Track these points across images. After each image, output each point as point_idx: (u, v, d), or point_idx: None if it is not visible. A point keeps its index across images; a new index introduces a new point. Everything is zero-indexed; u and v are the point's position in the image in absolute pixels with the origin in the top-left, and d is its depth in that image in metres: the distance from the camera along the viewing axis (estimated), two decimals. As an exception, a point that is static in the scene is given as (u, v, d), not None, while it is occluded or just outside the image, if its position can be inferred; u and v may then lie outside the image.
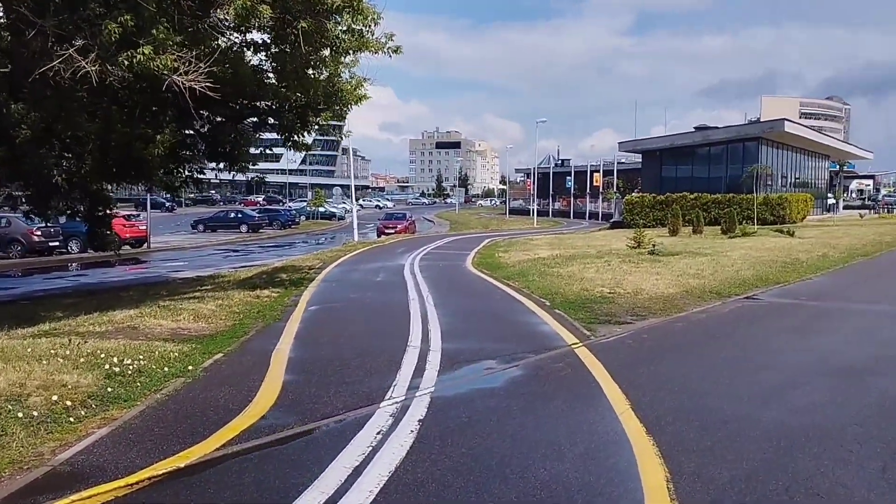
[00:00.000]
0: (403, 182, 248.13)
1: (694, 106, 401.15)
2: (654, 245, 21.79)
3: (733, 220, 32.37)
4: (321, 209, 72.60)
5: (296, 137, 16.14)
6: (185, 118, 14.43)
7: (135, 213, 39.50)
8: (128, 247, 36.48)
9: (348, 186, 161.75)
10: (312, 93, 15.47)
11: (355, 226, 37.95)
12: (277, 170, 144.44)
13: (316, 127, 17.01)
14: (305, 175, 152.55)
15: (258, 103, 15.67)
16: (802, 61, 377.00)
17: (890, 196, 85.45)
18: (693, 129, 56.18)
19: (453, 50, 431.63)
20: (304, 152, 18.97)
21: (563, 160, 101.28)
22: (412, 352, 8.65)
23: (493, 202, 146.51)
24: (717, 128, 53.97)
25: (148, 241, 36.99)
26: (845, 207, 72.30)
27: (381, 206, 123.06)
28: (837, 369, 7.93)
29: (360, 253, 27.11)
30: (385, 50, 14.17)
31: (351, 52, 13.83)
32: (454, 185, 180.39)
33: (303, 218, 72.80)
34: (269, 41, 14.14)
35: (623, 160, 78.17)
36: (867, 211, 61.77)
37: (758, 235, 29.42)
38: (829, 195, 68.11)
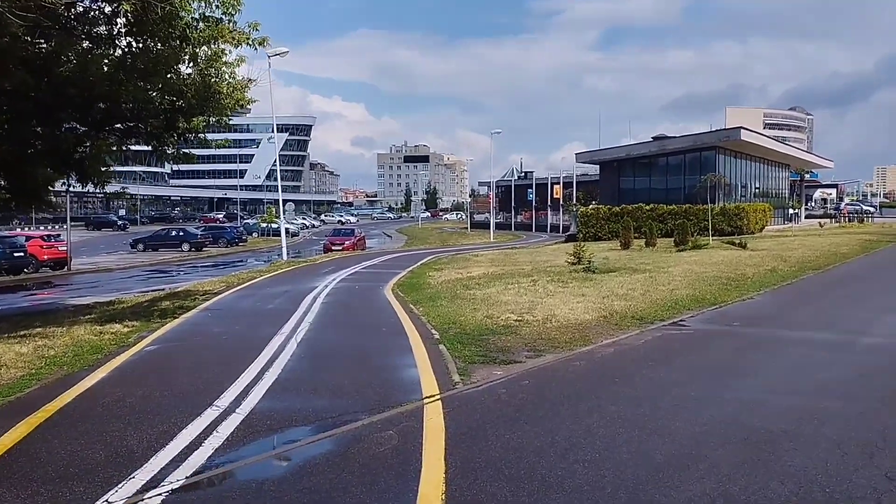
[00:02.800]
0: (372, 197, 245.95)
1: (661, 119, 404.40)
2: (590, 261, 19.99)
3: (686, 232, 30.68)
4: (274, 225, 70.24)
5: (166, 147, 14.15)
6: (22, 123, 12.39)
7: (54, 233, 36.95)
8: (47, 269, 34.14)
9: (318, 202, 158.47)
10: (185, 95, 13.56)
11: (284, 244, 35.80)
12: (242, 185, 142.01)
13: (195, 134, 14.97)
14: (269, 191, 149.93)
15: (121, 106, 13.64)
16: (767, 74, 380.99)
17: (852, 205, 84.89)
18: (651, 140, 54.73)
19: (426, 66, 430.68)
20: (175, 164, 16.80)
21: (526, 172, 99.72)
22: (209, 415, 6.67)
23: (460, 216, 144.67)
24: (673, 137, 52.57)
25: (68, 264, 34.53)
26: (807, 216, 71.44)
27: (344, 221, 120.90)
28: (749, 434, 6.06)
29: (278, 274, 25.01)
30: (249, 42, 12.28)
31: (205, 43, 11.84)
32: (422, 200, 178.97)
33: (254, 235, 70.51)
34: (114, 32, 12.17)
35: (588, 172, 76.63)
36: (828, 220, 60.76)
37: (709, 248, 27.79)
38: (791, 204, 67.24)
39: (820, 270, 19.89)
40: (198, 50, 13.13)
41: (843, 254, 24.98)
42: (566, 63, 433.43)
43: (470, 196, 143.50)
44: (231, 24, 12.11)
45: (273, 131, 40.62)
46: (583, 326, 11.34)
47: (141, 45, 11.95)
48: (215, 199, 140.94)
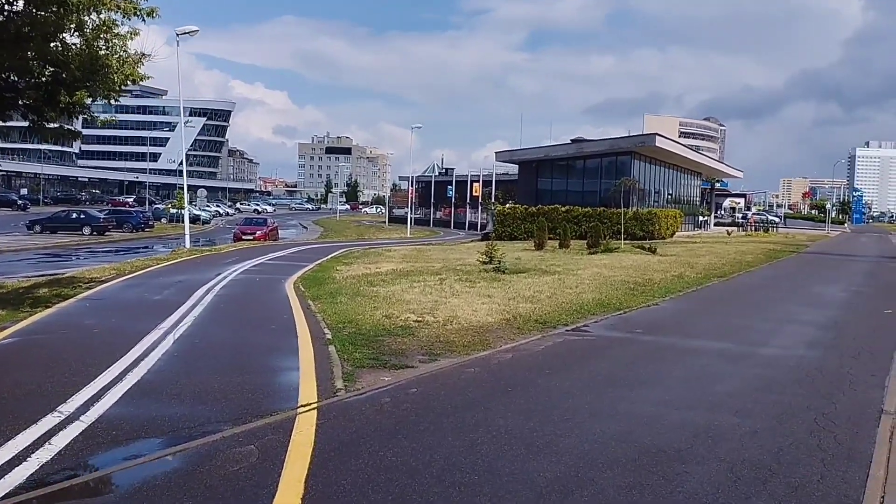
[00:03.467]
0: (292, 187, 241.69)
1: (582, 122, 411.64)
2: (499, 261, 19.66)
3: (598, 235, 30.82)
4: (184, 211, 67.81)
5: (45, 123, 13.03)
6: None
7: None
8: (-73, 249, 31.83)
9: (235, 190, 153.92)
10: (68, 66, 12.52)
11: (187, 231, 34.31)
12: (155, 169, 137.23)
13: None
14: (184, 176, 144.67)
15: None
16: (684, 84, 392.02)
17: (758, 214, 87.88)
18: (569, 142, 55.21)
19: (352, 57, 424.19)
20: (56, 142, 15.45)
21: (447, 169, 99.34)
22: (47, 423, 5.89)
23: (379, 210, 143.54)
24: (591, 140, 53.17)
25: (-49, 243, 32.21)
26: (716, 224, 73.48)
27: (260, 210, 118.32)
28: (641, 453, 5.68)
29: (177, 262, 23.82)
30: (137, 11, 11.37)
31: (86, 9, 10.86)
32: (342, 192, 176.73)
33: (163, 220, 67.99)
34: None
35: (510, 171, 76.76)
36: (735, 228, 62.59)
37: (620, 251, 27.95)
38: (701, 212, 69.04)
39: (725, 278, 20.10)
40: (84, 18, 12.15)
41: (748, 262, 25.46)
42: (492, 62, 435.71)
43: (391, 190, 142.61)
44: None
45: (181, 114, 38.88)
46: (484, 329, 10.91)
47: (16, 9, 10.87)
48: (126, 183, 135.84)
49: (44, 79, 12.49)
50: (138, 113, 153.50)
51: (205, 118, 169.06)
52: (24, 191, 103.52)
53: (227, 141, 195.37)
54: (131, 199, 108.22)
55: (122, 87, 13.62)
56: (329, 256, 27.67)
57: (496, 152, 59.20)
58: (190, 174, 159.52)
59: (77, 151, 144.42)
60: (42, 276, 21.26)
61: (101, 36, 12.97)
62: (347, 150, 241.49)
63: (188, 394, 7.07)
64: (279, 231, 51.98)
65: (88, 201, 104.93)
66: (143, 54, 13.88)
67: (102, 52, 12.94)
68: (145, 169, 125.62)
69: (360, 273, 19.75)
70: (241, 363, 8.58)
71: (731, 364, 9.31)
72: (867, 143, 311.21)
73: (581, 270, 19.97)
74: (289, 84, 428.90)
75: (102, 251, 36.41)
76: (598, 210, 41.96)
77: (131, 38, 13.45)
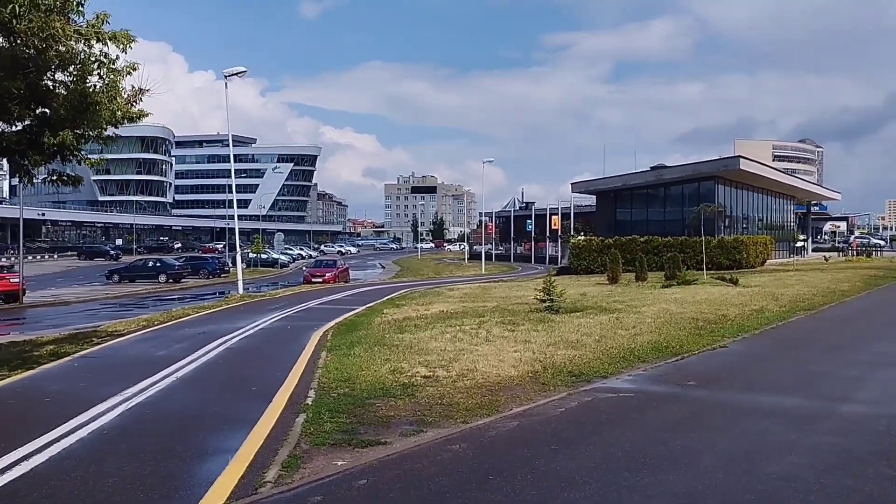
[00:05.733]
0: (379, 227, 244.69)
1: (671, 151, 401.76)
2: (552, 300, 17.75)
3: (677, 266, 28.38)
4: (263, 256, 68.22)
5: (30, 167, 12.11)
6: None
7: (6, 264, 35.01)
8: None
9: (320, 232, 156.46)
10: (53, 104, 11.64)
11: (240, 277, 33.49)
12: (244, 215, 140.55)
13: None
14: (273, 221, 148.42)
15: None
16: (777, 108, 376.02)
17: (861, 237, 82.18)
18: (648, 169, 52.63)
19: (436, 98, 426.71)
20: (58, 186, 14.62)
21: (527, 203, 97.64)
22: None
23: (463, 247, 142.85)
24: (672, 167, 50.51)
25: (20, 296, 32.48)
26: (815, 250, 68.95)
27: (345, 251, 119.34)
28: None
29: (219, 310, 22.85)
30: (99, 37, 10.28)
31: (34, 34, 9.80)
32: (429, 230, 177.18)
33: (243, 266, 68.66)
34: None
35: (592, 203, 74.30)
36: (835, 253, 58.22)
37: (698, 284, 25.48)
38: (801, 237, 64.83)
39: (813, 311, 17.60)
40: (61, 48, 11.27)
41: (843, 291, 22.66)
42: (576, 96, 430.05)
43: (477, 226, 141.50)
44: (73, 10, 10.07)
45: (231, 157, 38.34)
46: (500, 387, 9.18)
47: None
48: (216, 229, 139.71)
49: (28, 120, 11.59)
50: (228, 161, 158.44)
51: (292, 164, 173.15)
52: (118, 241, 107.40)
53: (316, 185, 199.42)
54: (220, 246, 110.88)
55: (118, 126, 12.66)
56: (385, 298, 26.33)
57: (572, 183, 57.30)
58: (279, 218, 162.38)
59: (171, 201, 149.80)
60: (85, 328, 20.63)
61: (96, 71, 12.05)
62: (433, 189, 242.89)
63: (64, 496, 5.54)
64: (350, 272, 51.32)
65: (180, 249, 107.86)
66: (141, 90, 12.91)
67: (98, 87, 12.02)
68: (234, 216, 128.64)
69: (403, 317, 18.27)
70: (171, 444, 6.99)
71: (796, 429, 7.23)
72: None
73: (646, 307, 17.88)
74: (377, 127, 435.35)
75: (167, 299, 36.27)
76: (680, 239, 39.30)
77: (129, 73, 12.50)
